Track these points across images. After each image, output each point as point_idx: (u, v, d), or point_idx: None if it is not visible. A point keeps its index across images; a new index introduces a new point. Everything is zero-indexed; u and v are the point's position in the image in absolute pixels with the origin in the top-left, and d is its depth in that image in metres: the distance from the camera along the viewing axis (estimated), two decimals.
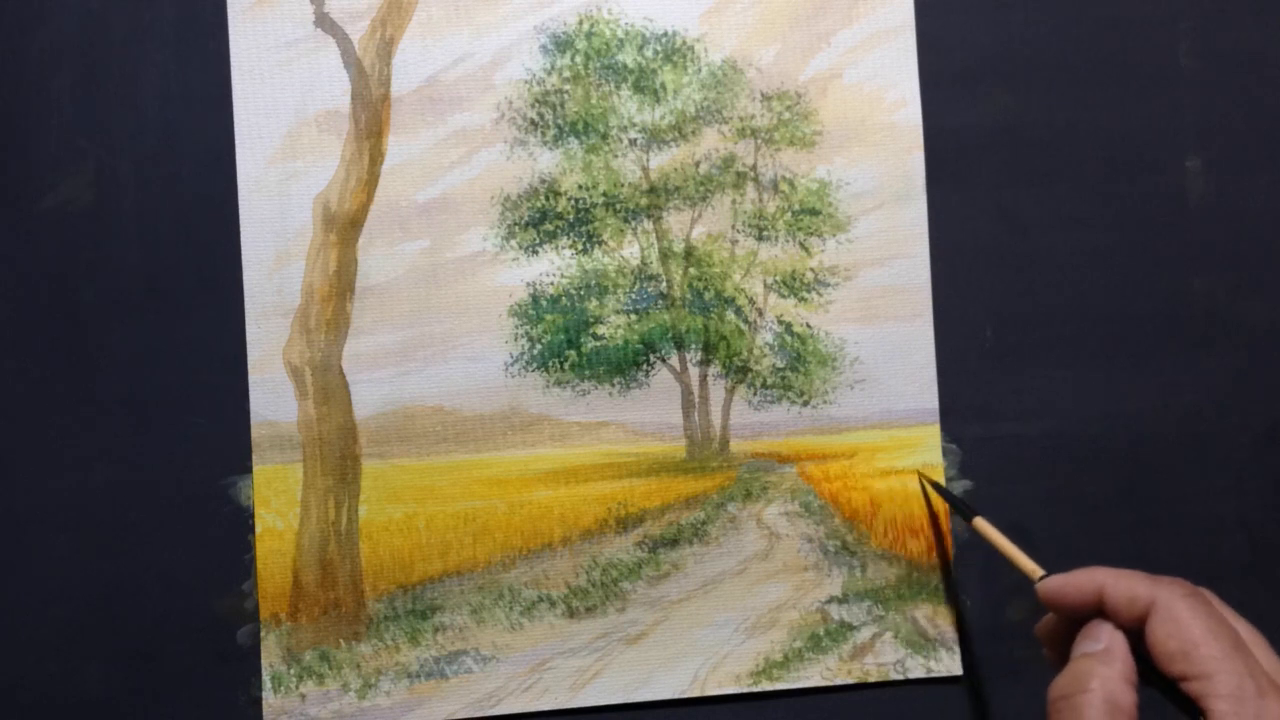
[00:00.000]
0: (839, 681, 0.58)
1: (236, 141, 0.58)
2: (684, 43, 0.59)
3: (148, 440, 0.57)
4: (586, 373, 0.59)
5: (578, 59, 0.59)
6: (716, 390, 0.59)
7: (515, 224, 0.58)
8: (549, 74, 0.59)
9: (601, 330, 0.59)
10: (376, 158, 0.58)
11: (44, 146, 0.57)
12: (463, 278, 0.58)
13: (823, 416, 0.59)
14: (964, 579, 0.59)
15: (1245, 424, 0.60)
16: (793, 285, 0.59)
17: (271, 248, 0.57)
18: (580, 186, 0.59)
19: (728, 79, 0.59)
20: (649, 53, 0.59)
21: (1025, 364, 0.59)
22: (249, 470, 0.57)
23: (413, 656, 0.57)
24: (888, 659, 0.58)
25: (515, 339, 0.58)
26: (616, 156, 0.59)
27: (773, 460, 0.59)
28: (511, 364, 0.58)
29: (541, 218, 0.59)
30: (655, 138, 0.59)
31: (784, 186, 0.59)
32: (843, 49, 0.59)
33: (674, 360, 0.59)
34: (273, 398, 0.57)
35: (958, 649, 0.58)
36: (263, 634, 0.57)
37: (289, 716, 0.56)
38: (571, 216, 0.59)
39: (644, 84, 0.59)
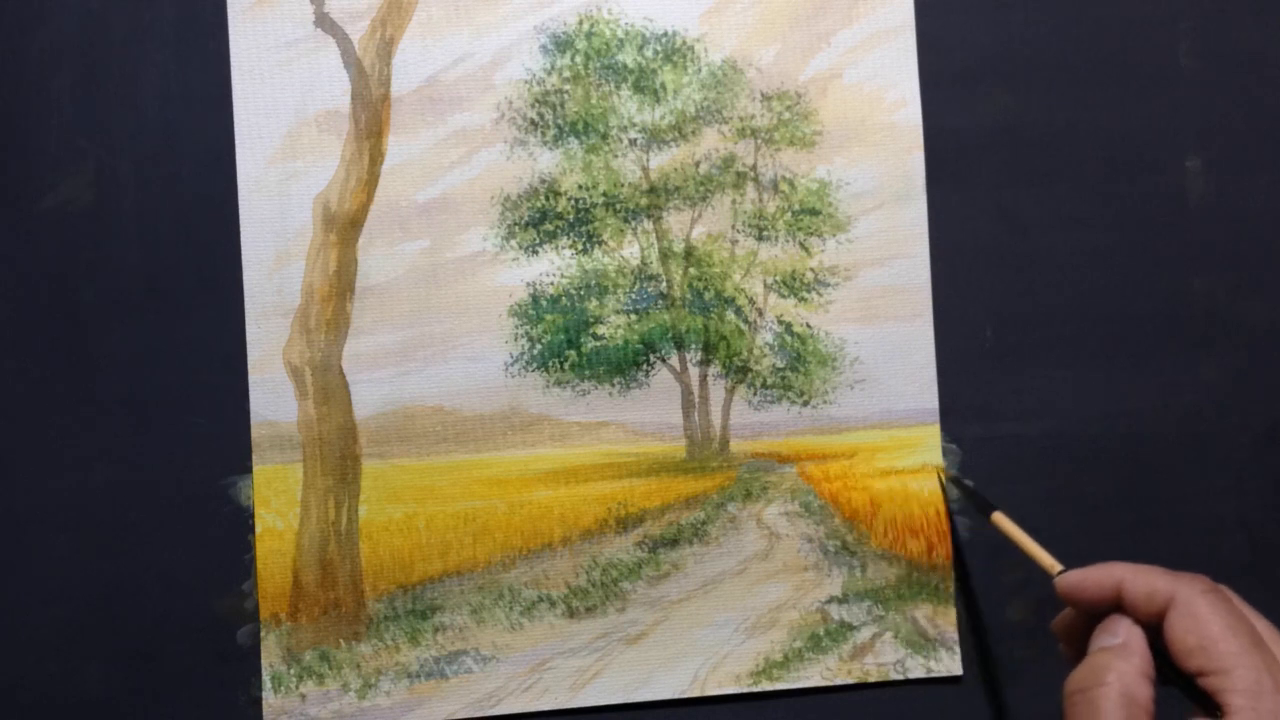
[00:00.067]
0: (839, 681, 0.58)
1: (236, 141, 0.58)
2: (684, 43, 0.59)
3: (148, 440, 0.57)
4: (586, 373, 0.59)
5: (578, 59, 0.59)
6: (716, 390, 0.59)
7: (515, 224, 0.58)
8: (549, 74, 0.59)
9: (601, 330, 0.59)
10: (376, 158, 0.58)
11: (44, 146, 0.57)
12: (463, 278, 0.58)
13: (823, 416, 0.59)
14: (964, 579, 0.59)
15: (1245, 424, 0.60)
16: (793, 285, 0.59)
17: (271, 248, 0.57)
18: (580, 186, 0.59)
19: (728, 79, 0.59)
20: (649, 53, 0.59)
21: (1025, 364, 0.59)
22: (249, 470, 0.57)
23: (413, 656, 0.57)
24: (888, 659, 0.58)
25: (515, 339, 0.58)
26: (616, 156, 0.59)
27: (773, 460, 0.59)
28: (511, 364, 0.58)
29: (541, 218, 0.59)
30: (655, 138, 0.59)
31: (784, 186, 0.59)
32: (843, 49, 0.59)
33: (674, 360, 0.59)
34: (273, 398, 0.57)
35: (958, 649, 0.58)
36: (263, 634, 0.57)
37: (289, 716, 0.56)
38: (571, 216, 0.59)
39: (644, 84, 0.59)
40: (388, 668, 0.57)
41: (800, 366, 0.59)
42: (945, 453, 0.59)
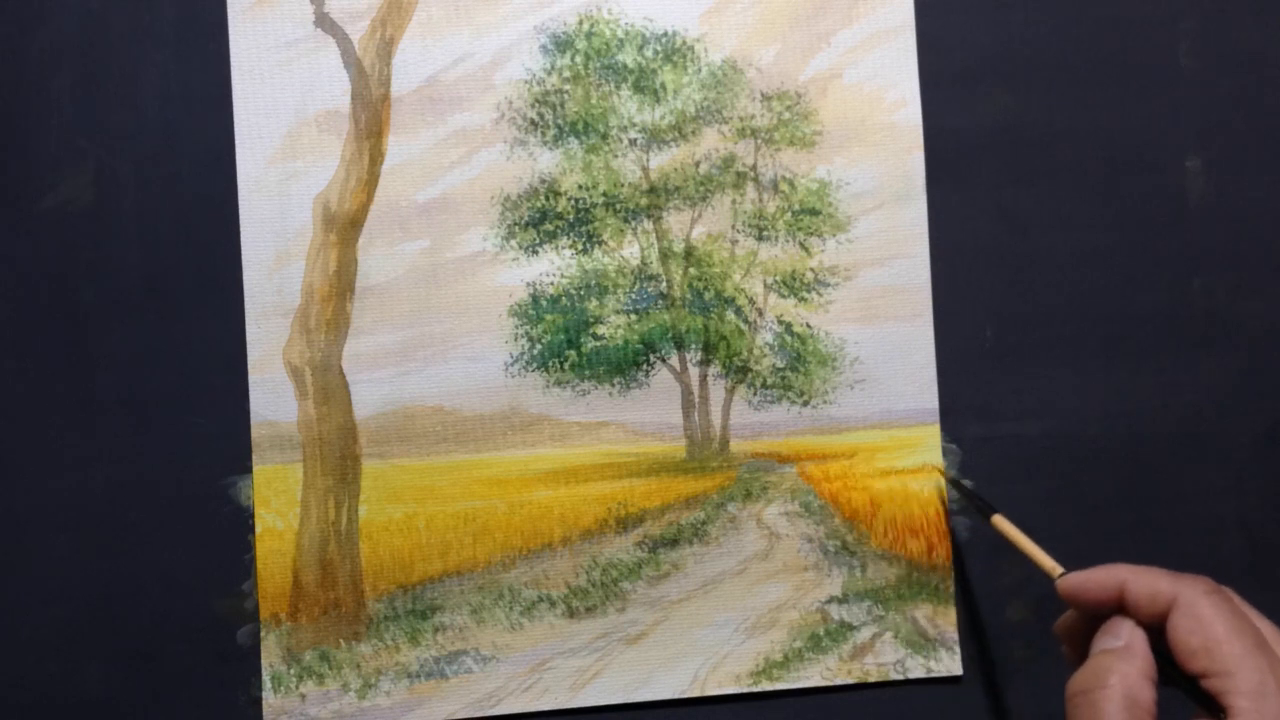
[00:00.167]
0: (839, 681, 0.58)
1: (236, 141, 0.58)
2: (684, 43, 0.59)
3: (148, 440, 0.57)
4: (586, 373, 0.59)
5: (578, 59, 0.59)
6: (716, 390, 0.59)
7: (515, 224, 0.58)
8: (549, 74, 0.59)
9: (601, 330, 0.59)
10: (376, 158, 0.58)
11: (44, 146, 0.57)
12: (463, 278, 0.58)
13: (823, 416, 0.59)
14: (964, 579, 0.59)
15: (1245, 424, 0.60)
16: (793, 285, 0.59)
17: (271, 248, 0.57)
18: (580, 186, 0.59)
19: (728, 79, 0.59)
20: (649, 53, 0.59)
21: (1025, 364, 0.59)
22: (249, 470, 0.57)
23: (413, 656, 0.57)
24: (888, 659, 0.58)
25: (515, 339, 0.58)
26: (616, 156, 0.59)
27: (773, 460, 0.59)
28: (511, 364, 0.58)
29: (541, 218, 0.59)
30: (655, 138, 0.59)
31: (784, 186, 0.59)
32: (843, 49, 0.59)
33: (674, 360, 0.59)
34: (273, 398, 0.57)
35: (958, 649, 0.58)
36: (263, 634, 0.57)
37: (289, 716, 0.56)
38: (571, 216, 0.59)
39: (644, 84, 0.59)
40: (388, 668, 0.57)
41: (800, 366, 0.59)
42: (945, 453, 0.59)
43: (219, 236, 0.57)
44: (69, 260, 0.57)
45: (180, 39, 0.58)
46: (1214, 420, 0.60)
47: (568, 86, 0.59)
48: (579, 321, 0.59)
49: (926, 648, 0.58)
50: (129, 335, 0.57)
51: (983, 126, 0.60)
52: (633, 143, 0.59)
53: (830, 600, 0.58)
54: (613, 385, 0.59)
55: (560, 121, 0.59)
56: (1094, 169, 0.60)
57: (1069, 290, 0.60)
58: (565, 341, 0.59)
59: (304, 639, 0.57)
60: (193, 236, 0.58)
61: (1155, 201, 0.60)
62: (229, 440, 0.57)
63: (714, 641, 0.58)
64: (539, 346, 0.58)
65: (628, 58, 0.59)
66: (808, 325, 0.59)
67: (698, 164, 0.59)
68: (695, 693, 0.57)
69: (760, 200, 0.59)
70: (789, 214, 0.59)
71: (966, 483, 0.58)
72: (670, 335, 0.59)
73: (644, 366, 0.59)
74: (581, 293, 0.59)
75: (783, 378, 0.59)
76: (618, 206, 0.59)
